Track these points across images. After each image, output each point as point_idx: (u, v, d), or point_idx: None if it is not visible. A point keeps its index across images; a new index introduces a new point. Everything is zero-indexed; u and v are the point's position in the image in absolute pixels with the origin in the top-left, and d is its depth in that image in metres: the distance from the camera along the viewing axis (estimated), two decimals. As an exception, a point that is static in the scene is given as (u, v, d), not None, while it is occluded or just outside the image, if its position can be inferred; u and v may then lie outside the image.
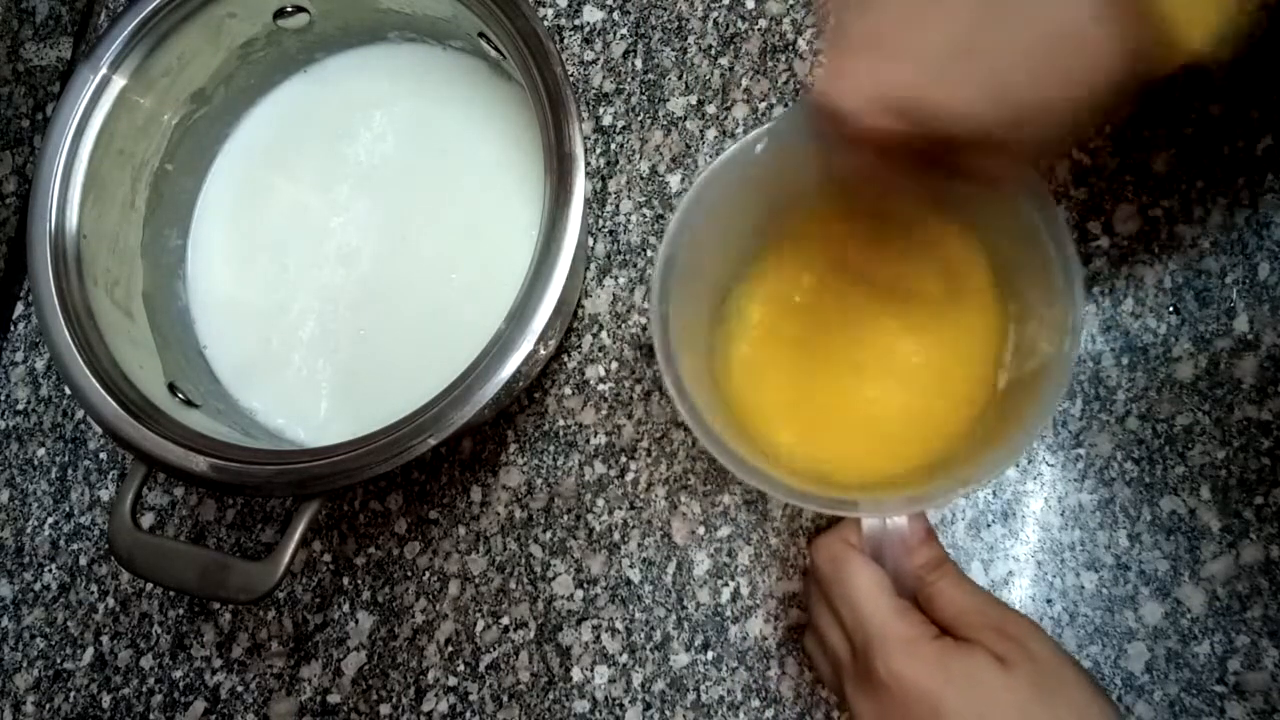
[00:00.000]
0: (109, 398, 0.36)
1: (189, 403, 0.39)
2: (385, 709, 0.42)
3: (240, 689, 0.43)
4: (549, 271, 0.34)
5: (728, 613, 0.40)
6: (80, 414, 0.47)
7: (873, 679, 0.29)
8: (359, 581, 0.43)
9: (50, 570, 0.46)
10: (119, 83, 0.39)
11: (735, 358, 0.37)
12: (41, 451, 0.47)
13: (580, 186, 0.35)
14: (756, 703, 0.39)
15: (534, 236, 0.35)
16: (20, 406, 0.48)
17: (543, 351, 0.37)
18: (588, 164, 0.37)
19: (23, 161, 0.51)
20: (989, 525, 0.39)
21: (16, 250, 0.50)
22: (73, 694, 0.45)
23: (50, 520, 0.46)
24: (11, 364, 0.49)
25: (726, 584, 0.40)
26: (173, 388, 0.39)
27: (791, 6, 0.45)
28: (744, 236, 0.37)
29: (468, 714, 0.41)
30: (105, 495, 0.46)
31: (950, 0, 0.25)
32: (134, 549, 0.36)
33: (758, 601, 0.40)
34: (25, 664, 0.45)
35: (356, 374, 0.42)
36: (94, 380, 0.36)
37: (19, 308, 0.50)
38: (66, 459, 0.47)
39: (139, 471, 0.36)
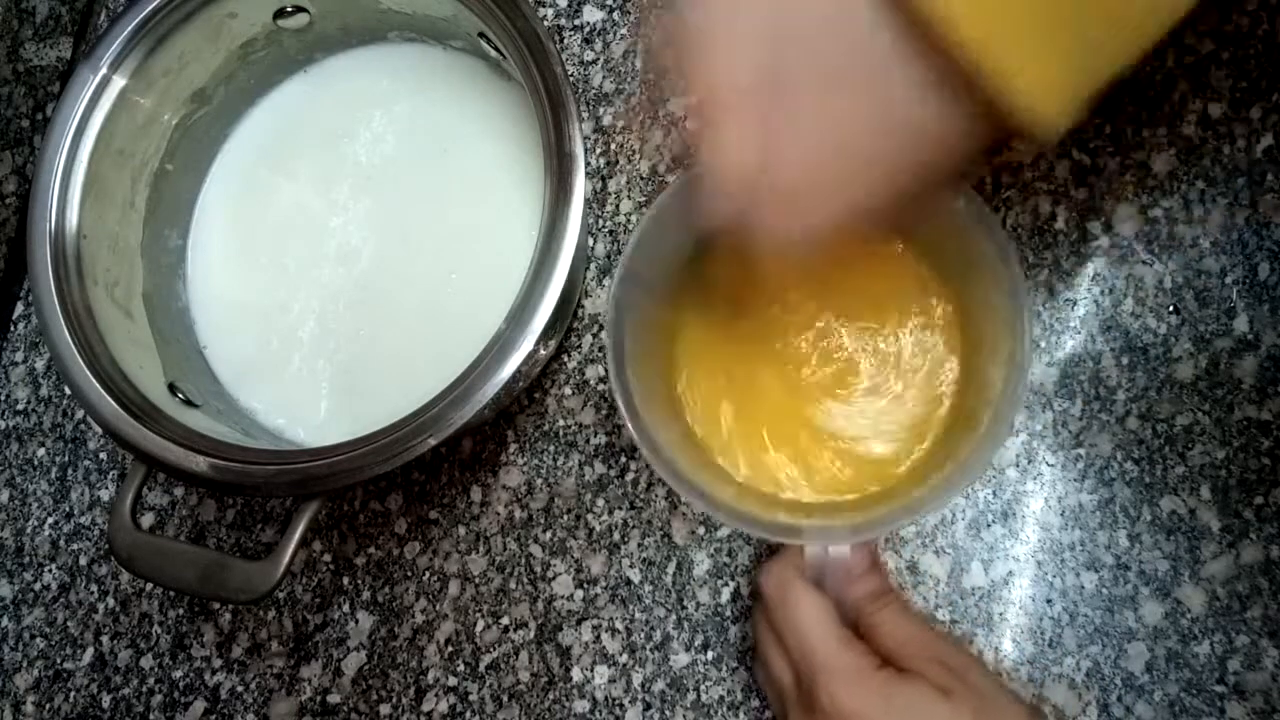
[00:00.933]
0: (109, 398, 0.36)
1: (189, 403, 0.39)
2: (385, 709, 0.42)
3: (240, 689, 0.43)
4: (549, 271, 0.34)
5: (728, 613, 0.40)
6: (80, 414, 0.47)
7: (815, 708, 0.29)
8: (359, 581, 0.43)
9: (50, 570, 0.46)
10: (119, 83, 0.39)
11: (688, 382, 0.37)
12: (41, 451, 0.47)
13: (580, 186, 0.35)
14: (756, 703, 0.39)
15: (534, 236, 0.35)
16: (20, 406, 0.48)
17: (543, 351, 0.37)
18: (588, 164, 0.37)
19: (23, 161, 0.51)
20: (989, 525, 0.39)
21: (16, 250, 0.50)
22: (73, 694, 0.45)
23: (50, 520, 0.46)
24: (11, 364, 0.49)
25: (726, 584, 0.40)
26: (173, 388, 0.39)
27: (791, 6, 0.45)
28: (693, 258, 0.37)
29: (468, 714, 0.41)
30: (105, 495, 0.46)
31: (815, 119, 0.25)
32: (134, 549, 0.36)
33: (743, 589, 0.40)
34: (25, 664, 0.45)
35: (356, 374, 0.42)
36: (94, 380, 0.36)
37: (19, 308, 0.50)
38: (66, 459, 0.47)
39: (139, 471, 0.36)
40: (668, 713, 0.40)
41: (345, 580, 0.43)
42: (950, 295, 0.36)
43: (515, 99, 0.42)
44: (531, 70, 0.36)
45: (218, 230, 0.45)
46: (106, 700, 0.44)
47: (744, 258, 0.30)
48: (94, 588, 0.45)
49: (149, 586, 0.45)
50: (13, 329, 0.49)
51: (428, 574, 0.43)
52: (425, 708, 0.42)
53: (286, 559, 0.34)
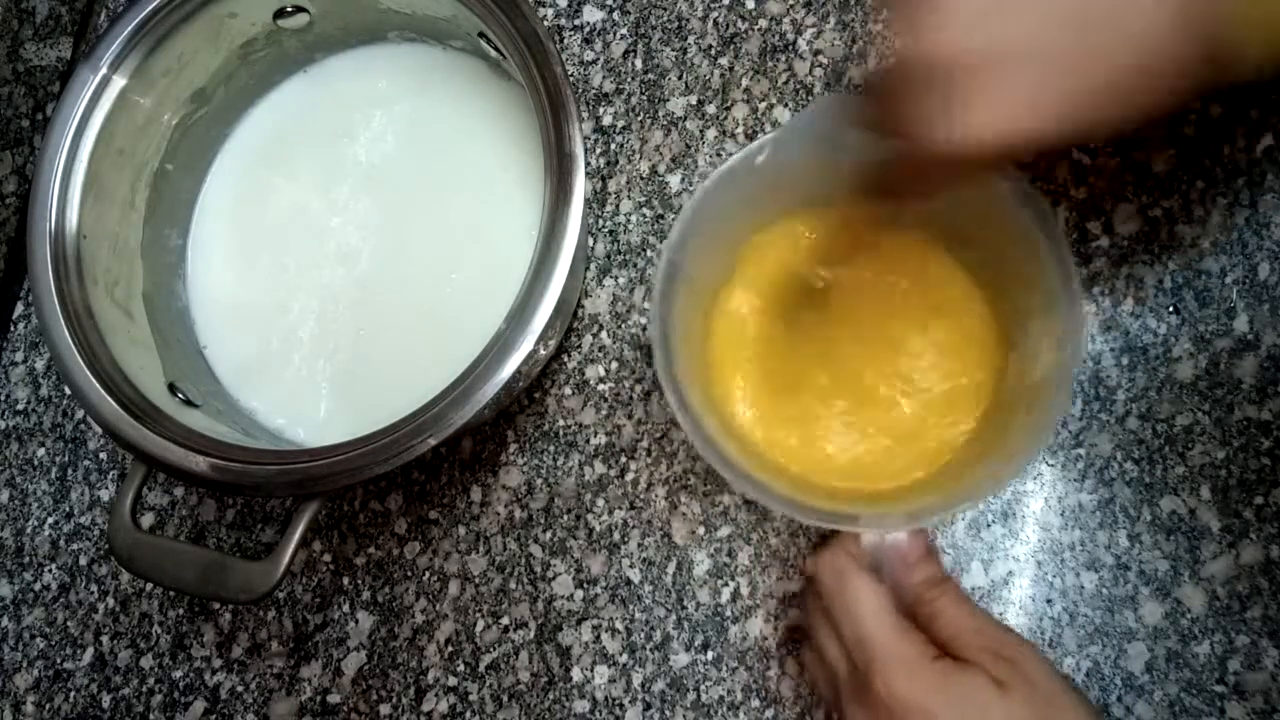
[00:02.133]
0: (109, 398, 0.36)
1: (189, 403, 0.39)
2: (385, 709, 0.42)
3: (240, 689, 0.43)
4: (549, 271, 0.34)
5: (728, 613, 0.40)
6: (80, 414, 0.47)
7: (870, 697, 0.29)
8: (359, 581, 0.43)
9: (50, 570, 0.46)
10: (119, 83, 0.39)
11: (731, 371, 0.37)
12: (41, 451, 0.47)
13: (580, 186, 0.35)
14: (756, 703, 0.39)
15: (534, 236, 0.35)
16: (20, 406, 0.48)
17: (543, 351, 0.37)
18: (588, 164, 0.37)
19: (23, 161, 0.51)
20: (989, 525, 0.39)
21: (16, 250, 0.50)
22: (73, 694, 0.45)
23: (50, 520, 0.46)
24: (11, 364, 0.49)
25: (726, 584, 0.40)
26: (173, 388, 0.39)
27: (791, 6, 0.45)
28: (734, 246, 0.37)
29: (468, 714, 0.41)
30: (105, 495, 0.46)
31: (1040, 27, 0.25)
32: (134, 549, 0.36)
33: (758, 601, 0.40)
34: (25, 664, 0.45)
35: (356, 374, 0.42)
36: (94, 380, 0.36)
37: (19, 308, 0.50)
38: (66, 459, 0.47)
39: (139, 471, 0.36)
40: (668, 713, 0.40)
41: (345, 580, 0.43)
42: (993, 278, 0.36)
43: (515, 99, 0.42)
44: (531, 70, 0.36)
45: (218, 230, 0.44)
46: (106, 700, 0.44)
47: (882, 191, 0.30)
48: (94, 588, 0.45)
49: (149, 586, 0.45)
50: (13, 329, 0.49)
51: (428, 574, 0.43)
52: (425, 708, 0.41)
53: (286, 559, 0.34)
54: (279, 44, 0.43)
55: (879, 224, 0.35)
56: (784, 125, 0.33)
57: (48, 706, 0.45)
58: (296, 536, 0.34)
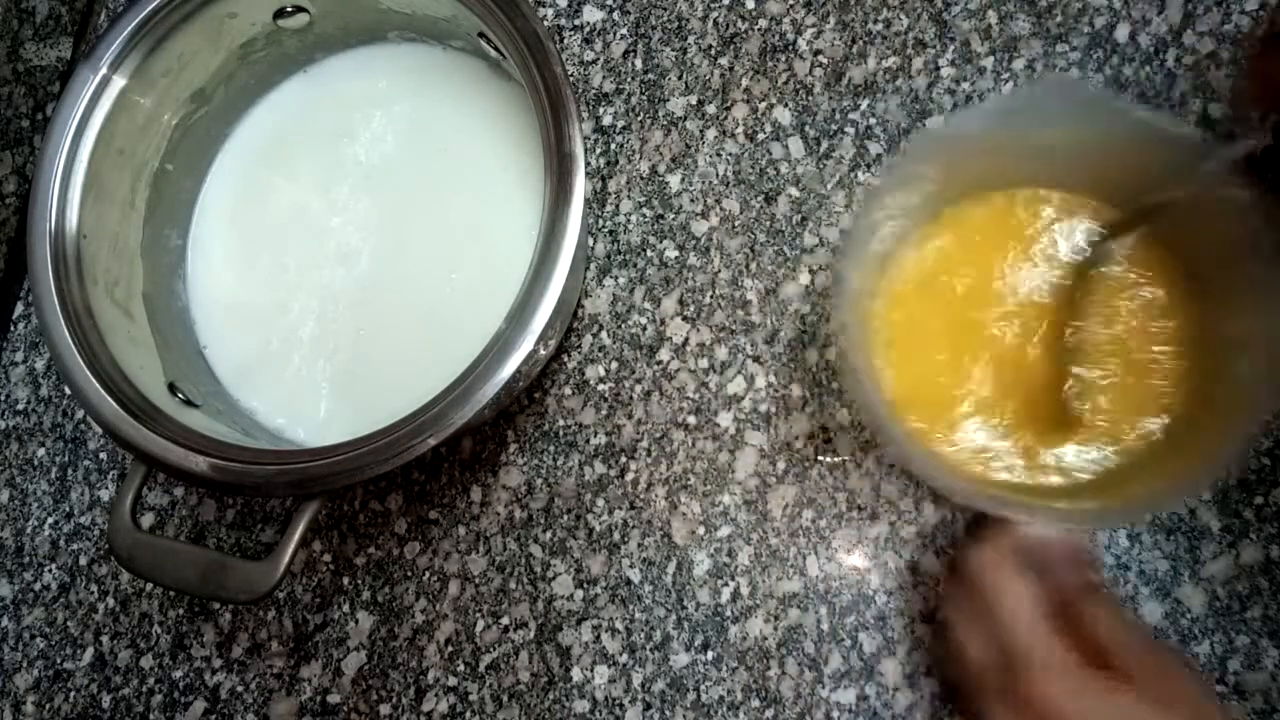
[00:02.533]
0: (109, 398, 0.36)
1: (189, 403, 0.39)
2: (385, 709, 0.42)
3: (240, 689, 0.43)
4: (549, 271, 0.34)
5: (728, 613, 0.40)
6: (80, 414, 0.47)
7: (1017, 696, 0.28)
8: (359, 581, 0.43)
9: (50, 570, 0.46)
10: (119, 83, 0.39)
11: (898, 361, 0.36)
12: (41, 451, 0.47)
13: (580, 186, 0.35)
14: (756, 703, 0.39)
15: (535, 236, 0.35)
16: (20, 406, 0.48)
17: (543, 351, 0.37)
18: (588, 164, 0.37)
19: (23, 161, 0.51)
20: (989, 525, 0.39)
21: (16, 250, 0.50)
22: (73, 694, 0.45)
23: (50, 520, 0.46)
24: (11, 364, 0.49)
25: (726, 584, 0.40)
26: (173, 388, 0.39)
27: (791, 6, 0.45)
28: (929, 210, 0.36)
29: (468, 714, 0.41)
30: (105, 495, 0.46)
31: None
32: (134, 549, 0.36)
33: (758, 601, 0.40)
34: (25, 664, 0.45)
35: (356, 374, 0.42)
36: (94, 380, 0.36)
37: (19, 308, 0.50)
38: (66, 459, 0.47)
39: (139, 472, 0.36)
40: (668, 713, 0.40)
41: (345, 580, 0.43)
42: (1194, 279, 0.35)
43: (515, 99, 0.42)
44: (531, 70, 0.36)
45: (217, 230, 0.44)
46: (106, 700, 0.44)
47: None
48: (94, 588, 0.45)
49: (149, 586, 0.45)
50: (13, 329, 0.49)
51: (428, 574, 0.43)
52: (425, 708, 0.41)
53: (286, 559, 0.34)
54: (279, 44, 0.43)
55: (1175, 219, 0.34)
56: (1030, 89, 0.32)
57: (48, 706, 0.45)
58: (296, 536, 0.34)
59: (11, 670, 0.45)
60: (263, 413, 0.42)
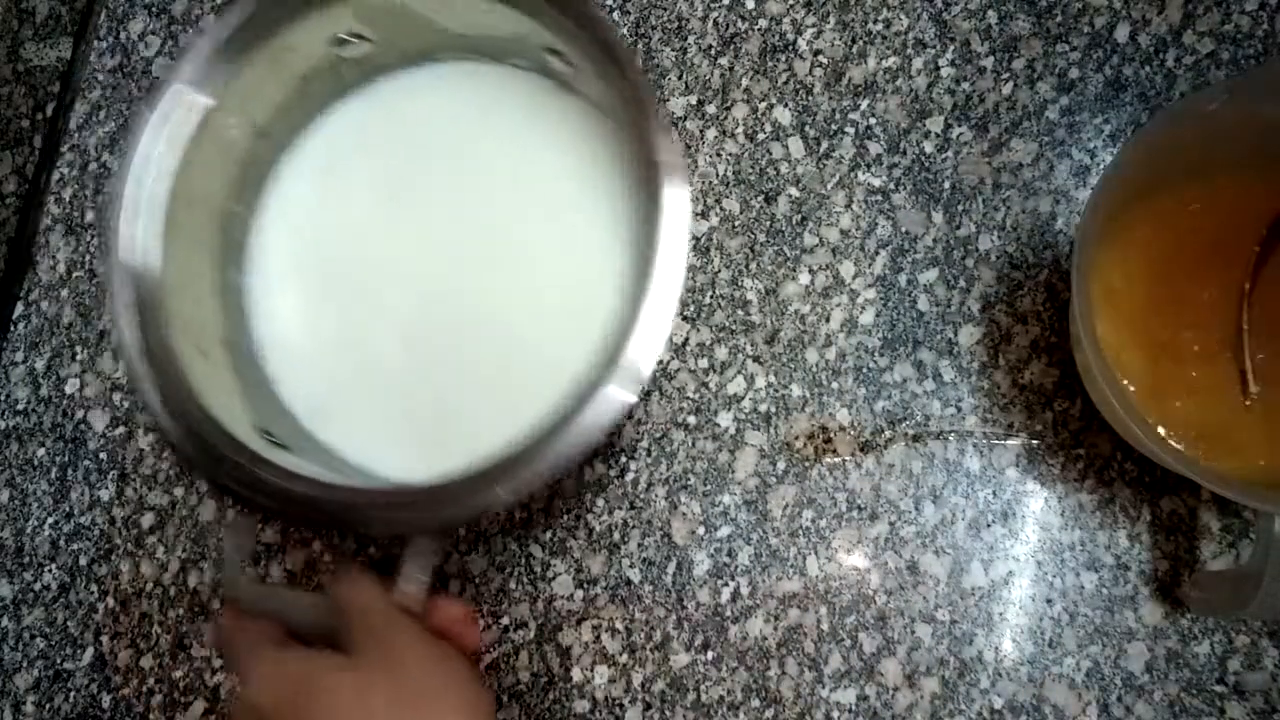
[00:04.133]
0: (208, 444, 0.34)
1: (279, 444, 0.37)
2: (385, 709, 0.42)
3: (240, 689, 0.43)
4: (648, 303, 0.31)
5: (728, 613, 0.40)
6: (80, 414, 0.47)
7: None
8: (359, 581, 0.43)
9: (50, 570, 0.46)
10: (194, 119, 0.37)
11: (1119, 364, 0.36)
12: (41, 451, 0.47)
13: (682, 200, 0.32)
14: (756, 703, 0.39)
15: (616, 259, 0.33)
16: (20, 406, 0.48)
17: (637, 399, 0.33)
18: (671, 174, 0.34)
19: (23, 161, 0.51)
20: (989, 525, 0.39)
21: (17, 250, 0.50)
22: (73, 694, 0.45)
23: (50, 520, 0.46)
24: (11, 364, 0.49)
25: (726, 584, 0.40)
26: (260, 429, 0.37)
27: (791, 6, 0.45)
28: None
29: (468, 714, 0.41)
30: (105, 495, 0.46)
31: None
32: (256, 601, 0.34)
33: (758, 601, 0.40)
34: (25, 664, 0.45)
35: (430, 407, 0.40)
36: (187, 429, 0.34)
37: (19, 308, 0.50)
38: (66, 459, 0.47)
39: (251, 520, 0.35)
40: (668, 713, 0.40)
41: (345, 580, 0.43)
42: None
43: (583, 115, 0.40)
44: (611, 81, 0.34)
45: (279, 264, 0.42)
46: (106, 700, 0.44)
47: None
48: (94, 588, 0.45)
49: (149, 586, 0.45)
50: (13, 329, 0.49)
51: (428, 574, 0.43)
52: (425, 708, 0.41)
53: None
54: (335, 72, 0.40)
55: None
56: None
57: (48, 706, 0.45)
58: (416, 576, 0.33)
59: (11, 670, 0.45)
60: (342, 449, 0.40)
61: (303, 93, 0.40)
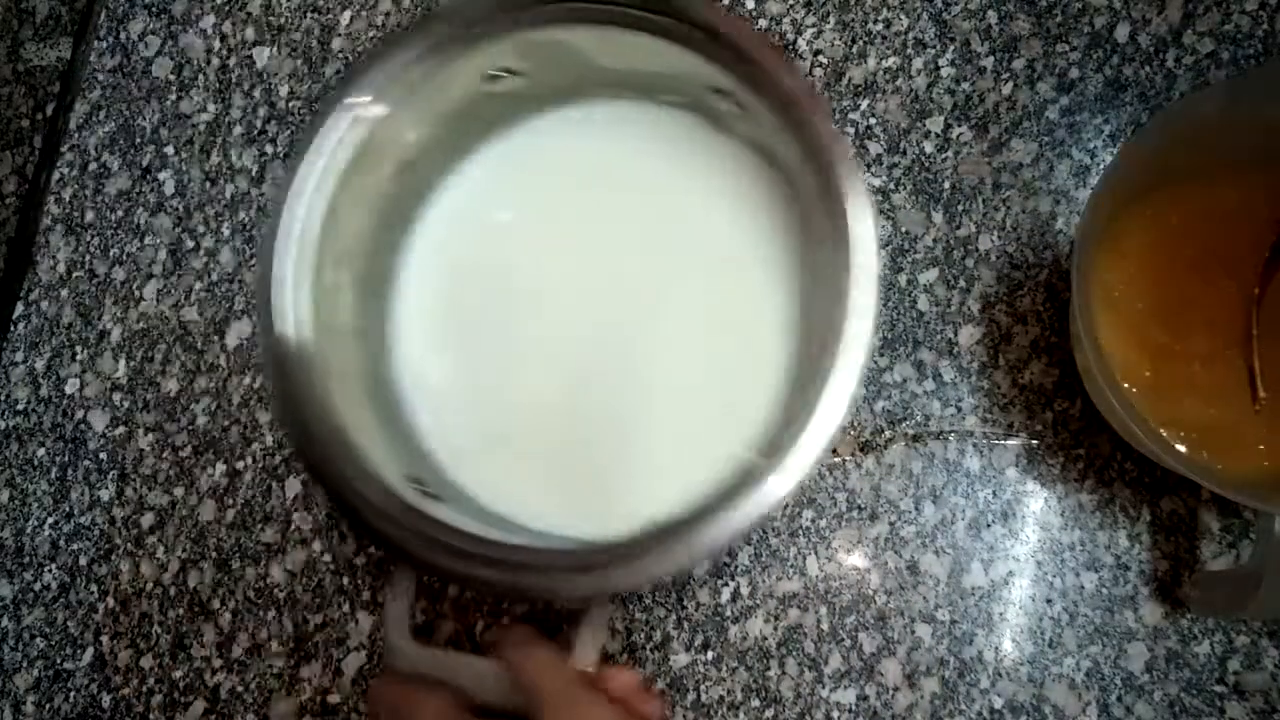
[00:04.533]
0: (369, 497, 0.32)
1: (431, 495, 0.35)
2: (385, 709, 0.42)
3: (240, 689, 0.43)
4: (826, 382, 0.29)
5: (728, 613, 0.40)
6: (80, 414, 0.47)
7: None
8: (359, 581, 0.43)
9: (50, 570, 0.46)
10: (340, 164, 0.35)
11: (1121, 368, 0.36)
12: (41, 451, 0.47)
13: (871, 267, 0.29)
14: (756, 703, 0.39)
15: (780, 313, 0.32)
16: (20, 406, 0.48)
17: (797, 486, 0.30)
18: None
19: (23, 161, 0.51)
20: (989, 525, 0.39)
21: (16, 250, 0.50)
22: (73, 694, 0.45)
23: (50, 520, 0.46)
24: (11, 364, 0.49)
25: (726, 584, 0.40)
26: (411, 479, 0.35)
27: (791, 6, 0.45)
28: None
29: (468, 714, 0.41)
30: (105, 495, 0.46)
31: None
32: (417, 667, 0.33)
33: (758, 601, 0.40)
34: (25, 664, 0.45)
35: (570, 461, 0.38)
36: (354, 481, 0.32)
37: (19, 308, 0.50)
38: (66, 459, 0.47)
39: (408, 579, 0.33)
40: (668, 713, 0.40)
41: (345, 580, 0.43)
42: None
43: (736, 155, 0.38)
44: (796, 130, 0.32)
45: (420, 305, 0.40)
46: (106, 700, 0.44)
47: None
48: (94, 588, 0.45)
49: (149, 586, 0.45)
50: (13, 329, 0.49)
51: (427, 574, 0.43)
52: (425, 708, 0.41)
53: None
54: (482, 108, 0.39)
55: None
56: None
57: (48, 706, 0.45)
58: (590, 643, 0.32)
59: (11, 670, 0.45)
60: (485, 498, 0.38)
61: (449, 129, 0.39)
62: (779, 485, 0.29)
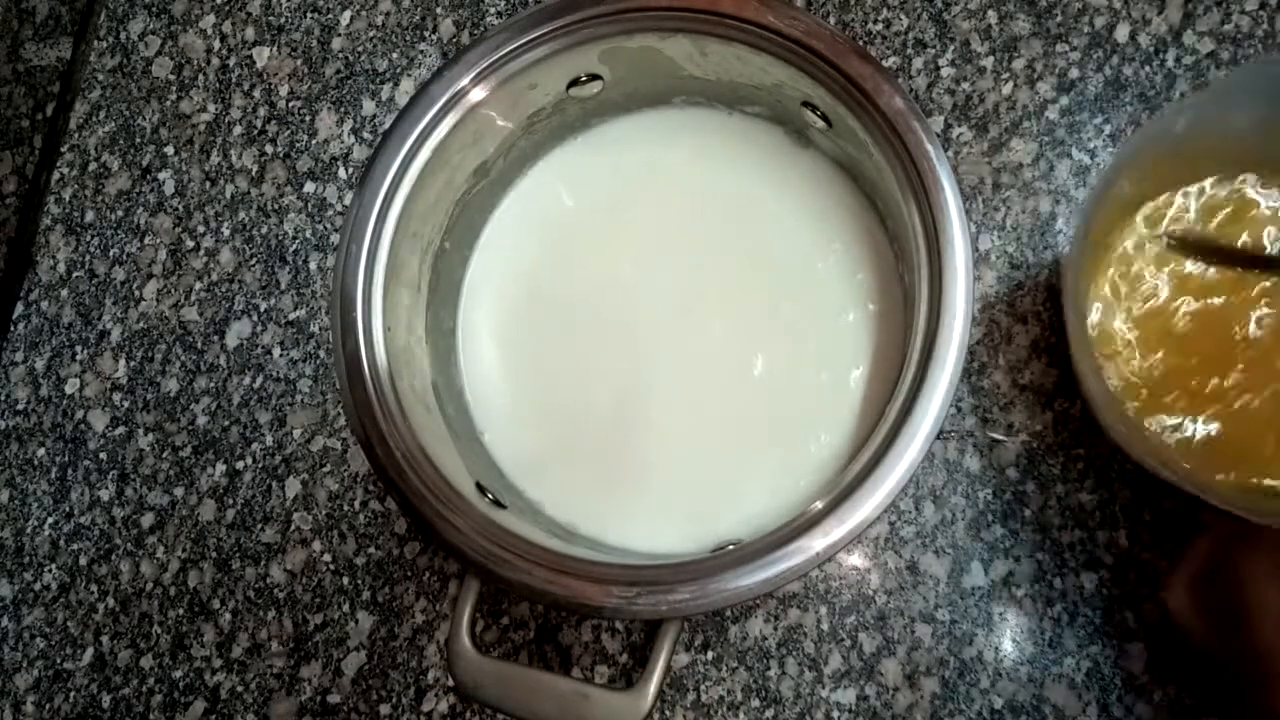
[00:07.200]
0: (441, 508, 0.32)
1: (498, 503, 0.35)
2: (385, 709, 0.42)
3: (240, 689, 0.43)
4: (917, 416, 0.30)
5: (728, 613, 0.40)
6: (80, 414, 0.47)
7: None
8: (359, 581, 0.43)
9: (50, 570, 0.46)
10: (418, 165, 0.35)
11: (1122, 373, 0.36)
12: (41, 451, 0.47)
13: (965, 292, 0.29)
14: (756, 702, 0.39)
15: (854, 326, 0.32)
16: (20, 406, 0.48)
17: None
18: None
19: (22, 161, 0.51)
20: (989, 525, 0.39)
21: (17, 250, 0.50)
22: (73, 694, 0.45)
23: (50, 520, 0.47)
24: (11, 364, 0.49)
25: (726, 584, 0.40)
26: (480, 487, 0.35)
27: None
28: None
29: (468, 714, 0.41)
30: (105, 495, 0.46)
31: None
32: (480, 677, 0.32)
33: (757, 601, 0.40)
34: (25, 664, 0.45)
35: (640, 468, 0.38)
36: (428, 492, 0.32)
37: (19, 308, 0.50)
38: (66, 459, 0.47)
39: (474, 589, 0.33)
40: (668, 713, 0.40)
41: (345, 580, 0.43)
42: None
43: (820, 171, 0.38)
44: (892, 145, 0.31)
45: (488, 310, 0.40)
46: (106, 700, 0.44)
47: None
48: (94, 588, 0.45)
49: (149, 586, 0.45)
50: (13, 329, 0.49)
51: (428, 574, 0.43)
52: (425, 708, 0.42)
53: (653, 689, 0.31)
54: (562, 112, 0.39)
55: None
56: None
57: (48, 706, 0.45)
58: (661, 664, 0.31)
59: (11, 670, 0.45)
60: (550, 505, 0.38)
61: (528, 130, 0.39)
62: (839, 531, 0.29)
